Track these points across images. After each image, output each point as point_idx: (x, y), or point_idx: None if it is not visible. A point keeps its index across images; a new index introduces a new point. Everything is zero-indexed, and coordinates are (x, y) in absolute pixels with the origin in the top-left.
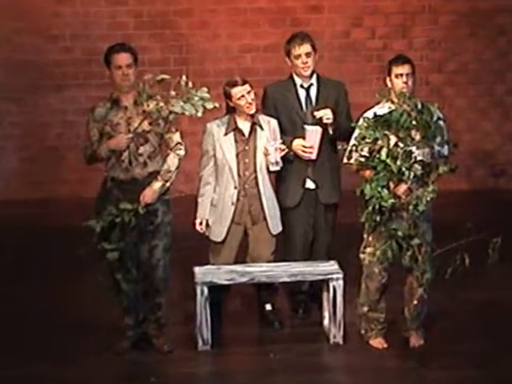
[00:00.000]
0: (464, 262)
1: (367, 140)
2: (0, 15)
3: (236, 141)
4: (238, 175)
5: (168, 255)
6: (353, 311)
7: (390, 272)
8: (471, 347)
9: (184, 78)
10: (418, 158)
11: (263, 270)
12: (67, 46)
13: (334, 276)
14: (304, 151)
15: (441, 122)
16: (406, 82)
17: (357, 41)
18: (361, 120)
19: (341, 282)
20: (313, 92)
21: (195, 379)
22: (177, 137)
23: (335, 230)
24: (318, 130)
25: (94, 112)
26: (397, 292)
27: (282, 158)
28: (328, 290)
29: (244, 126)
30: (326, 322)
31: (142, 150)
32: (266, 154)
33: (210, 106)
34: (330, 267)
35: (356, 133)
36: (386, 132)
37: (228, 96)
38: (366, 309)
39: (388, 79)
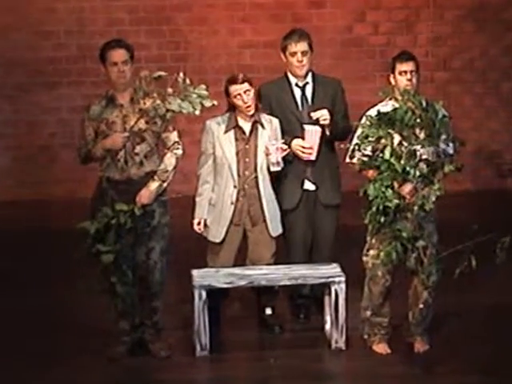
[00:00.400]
0: (471, 264)
1: (370, 139)
2: None
3: (236, 139)
4: (238, 175)
5: (165, 258)
6: (355, 315)
7: (393, 275)
8: (478, 353)
9: (181, 75)
10: (423, 157)
11: (263, 273)
12: (61, 42)
13: (336, 279)
14: (303, 152)
15: (446, 120)
16: (410, 80)
17: (359, 37)
18: (364, 118)
19: (343, 286)
20: (308, 91)
21: None
22: (174, 136)
23: (337, 231)
24: (318, 129)
25: (89, 110)
26: (401, 296)
27: (282, 158)
28: (330, 294)
29: (245, 124)
30: (327, 326)
31: (138, 149)
32: (267, 154)
33: (208, 103)
34: (332, 270)
35: (359, 131)
36: (390, 130)
37: (227, 93)
38: (369, 313)
39: (391, 76)
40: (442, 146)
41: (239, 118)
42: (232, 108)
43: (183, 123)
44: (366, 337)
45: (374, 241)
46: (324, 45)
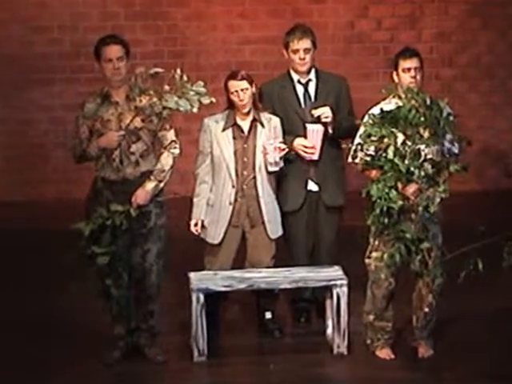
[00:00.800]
0: (477, 266)
1: (373, 138)
2: None
3: (234, 137)
4: (236, 174)
5: (162, 260)
6: (358, 320)
7: (397, 278)
8: (483, 358)
9: (179, 71)
10: (428, 157)
11: (263, 276)
12: (55, 37)
13: (338, 282)
14: (305, 151)
15: (451, 118)
16: (414, 77)
17: (362, 32)
18: (366, 117)
19: (345, 289)
20: (311, 88)
21: None
22: (171, 134)
23: (339, 233)
24: (320, 128)
25: (83, 108)
26: (404, 299)
27: (282, 158)
28: (331, 297)
29: (243, 122)
30: (329, 330)
31: (134, 148)
32: (265, 153)
33: (206, 101)
34: (334, 273)
35: (361, 130)
36: (393, 129)
37: (226, 88)
38: (371, 317)
39: (395, 73)
40: (447, 145)
41: (237, 117)
42: (231, 106)
43: (180, 121)
44: (368, 342)
45: (377, 243)
46: (325, 41)
